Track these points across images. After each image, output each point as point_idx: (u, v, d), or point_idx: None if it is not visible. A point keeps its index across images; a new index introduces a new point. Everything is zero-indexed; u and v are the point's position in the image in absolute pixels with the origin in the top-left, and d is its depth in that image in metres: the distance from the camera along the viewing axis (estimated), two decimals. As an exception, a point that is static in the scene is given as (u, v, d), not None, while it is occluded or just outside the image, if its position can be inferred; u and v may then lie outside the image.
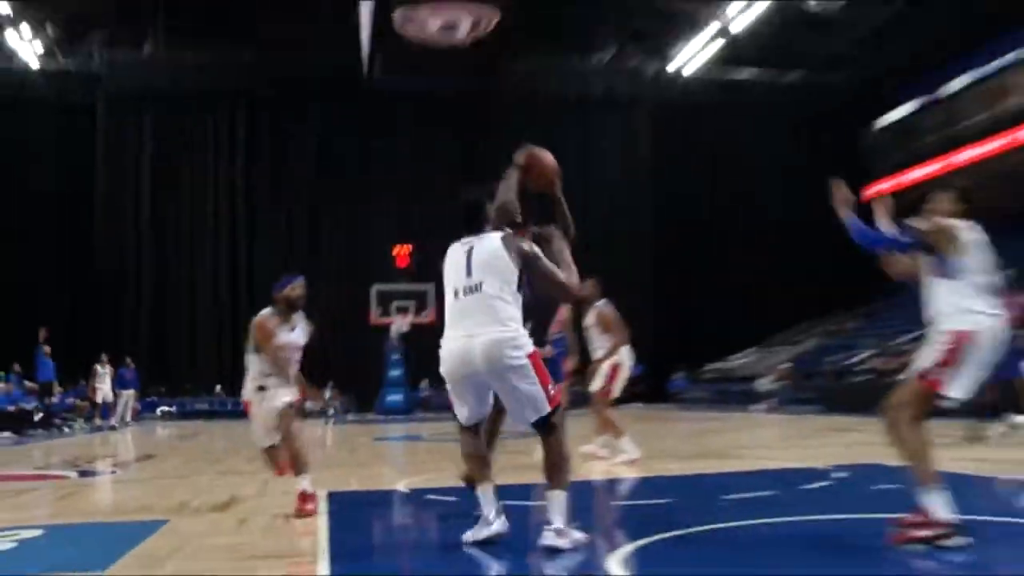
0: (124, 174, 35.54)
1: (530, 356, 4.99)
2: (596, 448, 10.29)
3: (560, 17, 37.16)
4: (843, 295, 36.74)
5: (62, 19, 33.14)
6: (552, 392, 4.98)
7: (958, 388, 4.58)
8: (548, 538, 4.69)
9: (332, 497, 7.11)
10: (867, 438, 12.40)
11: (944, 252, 4.73)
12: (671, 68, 38.81)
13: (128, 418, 25.18)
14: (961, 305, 4.70)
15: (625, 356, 10.39)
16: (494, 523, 4.99)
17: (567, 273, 5.29)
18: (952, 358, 4.58)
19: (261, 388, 6.55)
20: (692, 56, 37.76)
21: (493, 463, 5.42)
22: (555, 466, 4.90)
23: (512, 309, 5.07)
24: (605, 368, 10.21)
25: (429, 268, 35.21)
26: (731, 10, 34.33)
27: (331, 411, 29.66)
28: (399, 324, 31.68)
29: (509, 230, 5.27)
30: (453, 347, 5.15)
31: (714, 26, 35.68)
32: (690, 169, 39.85)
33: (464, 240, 5.36)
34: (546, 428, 4.97)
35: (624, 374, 10.38)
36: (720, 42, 36.44)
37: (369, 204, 36.68)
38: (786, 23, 35.36)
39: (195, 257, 36.29)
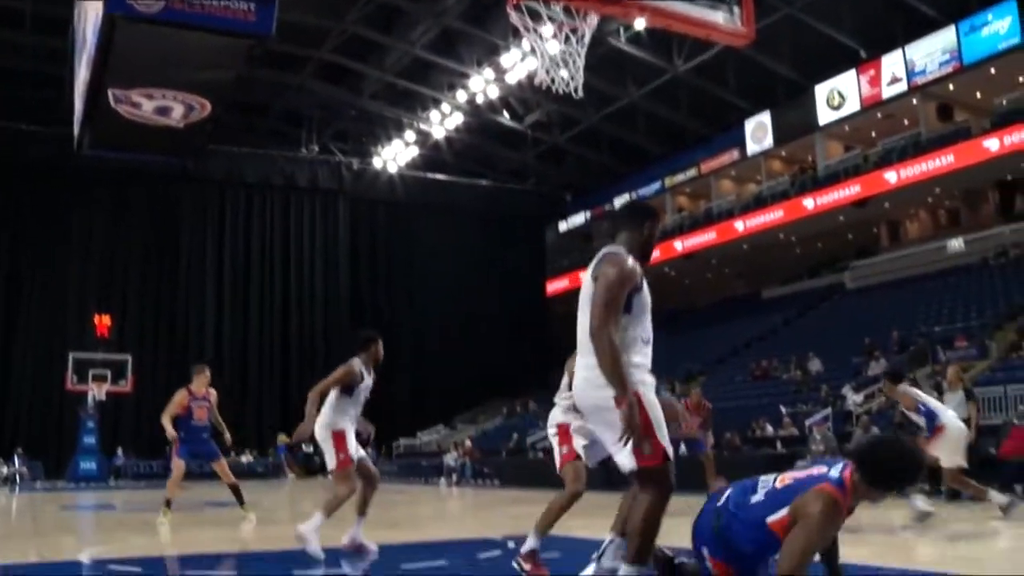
0: None
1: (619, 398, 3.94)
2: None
3: (270, 109, 37.16)
4: (523, 380, 38.24)
5: None
6: (647, 449, 3.92)
7: None
8: None
9: (6, 571, 6.41)
10: (537, 510, 12.92)
11: None
12: (374, 165, 39.62)
13: None
14: None
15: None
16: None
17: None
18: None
19: None
20: (394, 156, 38.81)
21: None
22: (632, 531, 3.93)
23: None
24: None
25: (128, 339, 33.76)
26: (433, 117, 35.73)
27: (17, 478, 27.37)
28: (95, 392, 29.91)
29: (614, 248, 4.25)
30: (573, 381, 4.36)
31: (415, 131, 37.09)
32: (388, 258, 40.62)
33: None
34: (639, 481, 4.00)
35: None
36: (420, 144, 37.89)
37: (69, 273, 34.54)
38: (480, 134, 37.37)
39: None
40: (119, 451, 31.46)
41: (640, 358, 4.11)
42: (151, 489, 24.54)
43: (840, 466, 4.03)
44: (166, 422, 10.40)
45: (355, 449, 7.32)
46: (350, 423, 7.43)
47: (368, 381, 7.68)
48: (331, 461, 7.19)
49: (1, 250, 34.12)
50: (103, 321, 32.42)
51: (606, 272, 4.08)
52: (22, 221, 34.08)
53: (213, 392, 10.98)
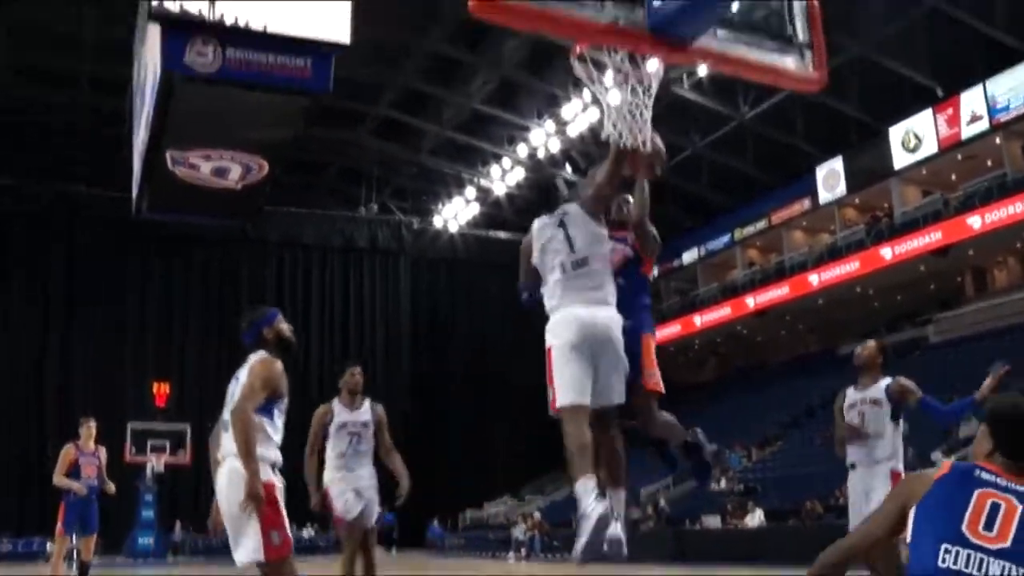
0: None
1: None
2: None
3: (328, 167, 37.42)
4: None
5: None
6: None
7: None
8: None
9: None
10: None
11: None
12: (434, 224, 39.67)
13: None
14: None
15: None
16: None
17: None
18: None
19: None
20: (454, 214, 38.81)
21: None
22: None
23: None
24: None
25: (187, 407, 33.69)
26: (493, 173, 35.73)
27: (75, 554, 27.25)
28: (154, 463, 29.78)
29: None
30: (580, 312, 4.73)
31: (475, 187, 37.08)
32: (450, 319, 40.44)
33: (551, 216, 4.94)
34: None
35: None
36: (481, 201, 37.85)
37: (126, 338, 34.86)
38: (542, 189, 37.16)
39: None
40: (177, 525, 31.15)
41: None
42: (211, 565, 24.25)
43: None
44: (62, 481, 9.50)
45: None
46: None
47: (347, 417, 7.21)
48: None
49: (57, 315, 34.42)
50: (161, 389, 32.50)
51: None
52: (78, 285, 34.43)
53: (103, 450, 10.08)
